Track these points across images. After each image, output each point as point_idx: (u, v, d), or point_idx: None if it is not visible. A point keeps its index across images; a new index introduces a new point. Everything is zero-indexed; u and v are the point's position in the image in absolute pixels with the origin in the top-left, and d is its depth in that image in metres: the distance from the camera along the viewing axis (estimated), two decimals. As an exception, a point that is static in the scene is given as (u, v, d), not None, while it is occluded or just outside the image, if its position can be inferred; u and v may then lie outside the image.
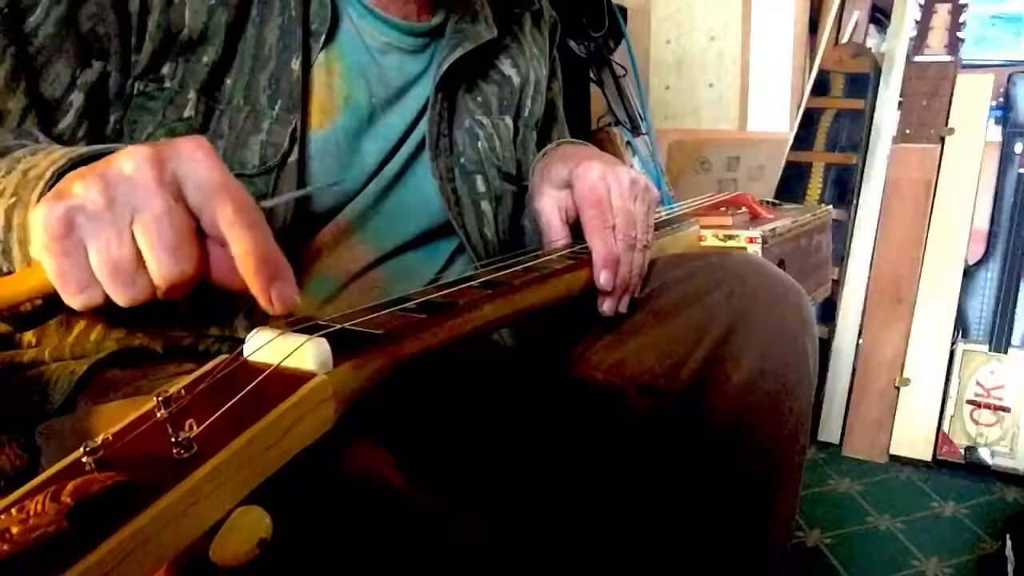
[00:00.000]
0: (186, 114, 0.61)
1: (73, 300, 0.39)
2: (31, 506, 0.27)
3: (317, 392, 0.37)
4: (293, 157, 0.64)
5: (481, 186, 0.78)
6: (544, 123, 0.89)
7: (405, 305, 0.51)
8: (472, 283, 0.57)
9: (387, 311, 0.49)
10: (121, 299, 0.39)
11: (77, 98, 0.59)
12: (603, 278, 0.66)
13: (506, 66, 0.81)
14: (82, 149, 0.46)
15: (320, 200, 0.68)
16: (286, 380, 0.37)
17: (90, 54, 0.59)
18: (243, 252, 0.39)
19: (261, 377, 0.37)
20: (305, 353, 0.39)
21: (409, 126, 0.73)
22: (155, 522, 0.28)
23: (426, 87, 0.73)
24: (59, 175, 0.42)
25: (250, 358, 0.40)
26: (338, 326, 0.44)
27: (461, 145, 0.76)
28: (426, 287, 0.57)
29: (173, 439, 0.31)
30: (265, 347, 0.40)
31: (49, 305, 0.44)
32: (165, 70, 0.61)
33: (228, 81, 0.63)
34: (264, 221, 0.40)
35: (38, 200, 0.42)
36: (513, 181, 0.81)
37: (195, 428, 0.32)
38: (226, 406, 0.34)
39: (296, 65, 0.64)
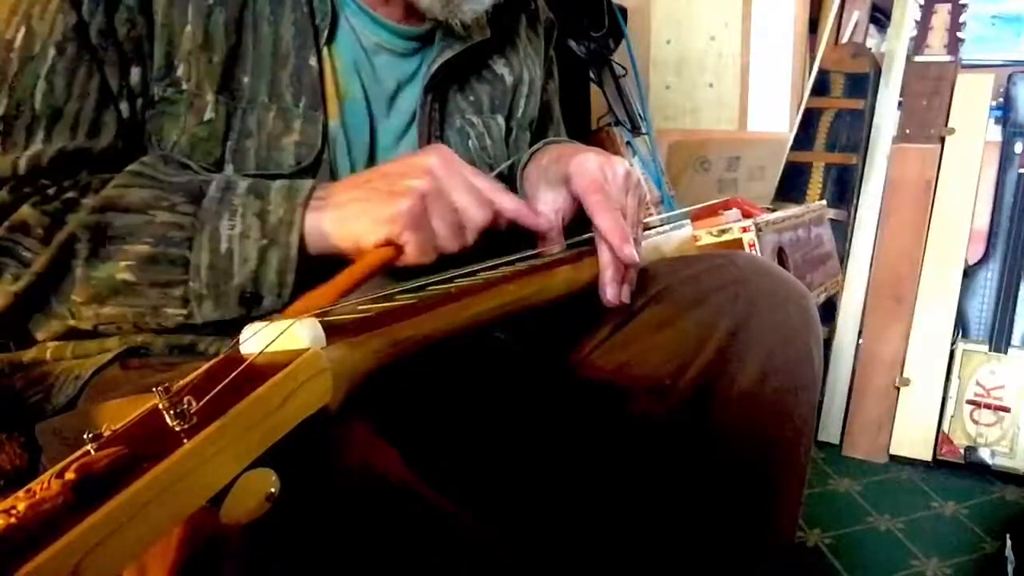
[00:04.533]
0: (207, 117, 0.62)
1: (423, 260, 0.56)
2: (37, 486, 0.27)
3: (311, 362, 0.38)
4: (325, 155, 0.65)
5: None
6: (539, 124, 0.89)
7: (397, 294, 0.51)
8: (464, 275, 0.58)
9: (380, 303, 0.50)
10: (453, 247, 0.57)
11: (125, 107, 0.61)
12: (627, 251, 0.64)
13: (499, 65, 0.81)
14: (277, 186, 0.58)
15: None
16: (281, 358, 0.38)
17: (131, 59, 0.60)
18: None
19: (255, 356, 0.39)
20: (296, 333, 0.40)
21: (403, 129, 0.73)
22: (161, 481, 0.29)
23: (417, 90, 0.73)
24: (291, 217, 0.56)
25: (245, 349, 0.41)
26: (330, 311, 0.45)
27: (453, 145, 0.75)
28: (418, 282, 0.57)
29: (173, 411, 0.32)
30: (258, 336, 0.41)
31: None
32: (180, 72, 0.61)
33: (245, 79, 0.63)
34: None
35: (299, 242, 0.56)
36: (506, 179, 0.81)
37: (194, 404, 0.33)
38: (223, 382, 0.35)
39: (314, 61, 0.65)
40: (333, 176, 0.67)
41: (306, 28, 0.65)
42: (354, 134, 0.70)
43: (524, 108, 0.84)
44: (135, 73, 0.61)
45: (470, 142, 0.77)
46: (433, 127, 0.74)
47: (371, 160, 0.71)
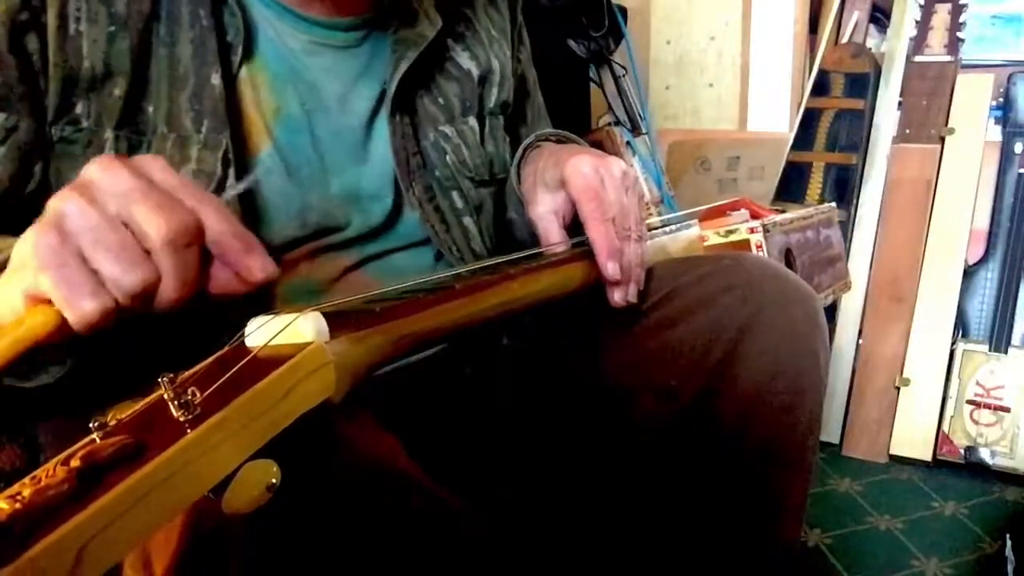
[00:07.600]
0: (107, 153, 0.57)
1: (83, 310, 0.36)
2: (42, 473, 0.27)
3: (315, 355, 0.38)
4: (231, 182, 0.60)
5: (459, 202, 0.76)
6: (516, 97, 0.85)
7: (401, 291, 0.51)
8: (467, 273, 0.58)
9: (383, 299, 0.50)
10: (132, 281, 0.37)
11: None
12: (610, 268, 0.65)
13: (464, 59, 0.77)
14: None
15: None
16: (285, 351, 0.38)
17: None
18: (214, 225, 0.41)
19: (259, 348, 0.39)
20: (300, 326, 0.40)
21: (363, 132, 0.70)
22: (164, 470, 0.29)
23: (372, 85, 0.70)
24: None
25: (250, 342, 0.41)
26: (333, 307, 0.45)
27: (431, 164, 0.73)
28: (419, 280, 0.57)
29: (177, 402, 0.32)
30: (263, 329, 0.41)
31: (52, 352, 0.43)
32: (79, 110, 0.57)
33: (150, 109, 0.59)
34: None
35: None
36: (488, 184, 0.79)
37: (198, 396, 0.33)
38: (227, 375, 0.35)
39: (216, 80, 0.60)
40: (250, 207, 0.61)
41: (207, 46, 0.60)
42: (296, 152, 0.65)
43: (497, 96, 0.81)
44: None
45: (447, 157, 0.75)
46: (409, 145, 0.71)
47: (324, 174, 0.67)
